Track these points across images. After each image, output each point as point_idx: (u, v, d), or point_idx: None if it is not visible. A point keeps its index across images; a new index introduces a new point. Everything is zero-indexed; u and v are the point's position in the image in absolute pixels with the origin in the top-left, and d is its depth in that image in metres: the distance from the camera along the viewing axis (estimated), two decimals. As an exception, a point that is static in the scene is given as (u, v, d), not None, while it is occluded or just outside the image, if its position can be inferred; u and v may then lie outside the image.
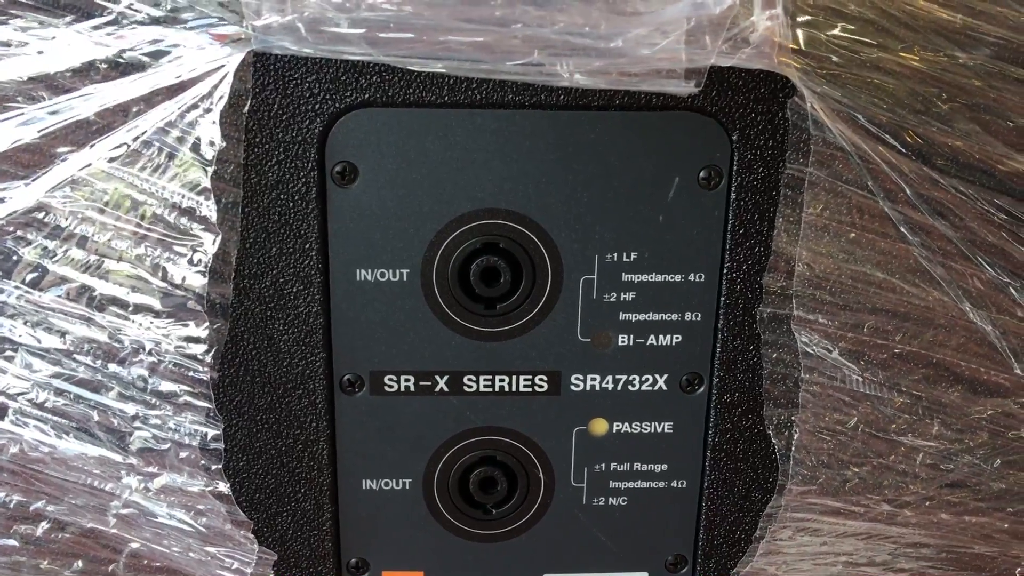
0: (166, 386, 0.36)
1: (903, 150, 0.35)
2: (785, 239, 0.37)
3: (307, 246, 0.37)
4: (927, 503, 0.40)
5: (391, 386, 0.39)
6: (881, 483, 0.39)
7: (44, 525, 0.40)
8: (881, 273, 0.37)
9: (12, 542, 0.40)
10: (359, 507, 0.41)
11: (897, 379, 0.38)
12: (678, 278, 0.38)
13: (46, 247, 0.35)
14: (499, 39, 0.33)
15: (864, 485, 0.39)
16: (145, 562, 0.40)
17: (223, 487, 0.38)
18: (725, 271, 0.38)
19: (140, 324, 0.36)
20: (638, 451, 0.41)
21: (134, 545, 0.40)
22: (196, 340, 0.36)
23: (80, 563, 0.40)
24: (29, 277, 0.36)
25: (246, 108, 0.35)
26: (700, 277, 0.38)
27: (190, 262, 0.35)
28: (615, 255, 0.38)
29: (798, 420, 0.38)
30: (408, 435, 0.40)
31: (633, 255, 0.38)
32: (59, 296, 0.36)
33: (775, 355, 0.38)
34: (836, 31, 0.34)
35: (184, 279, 0.35)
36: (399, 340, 0.39)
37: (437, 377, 0.39)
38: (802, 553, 0.41)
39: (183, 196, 0.34)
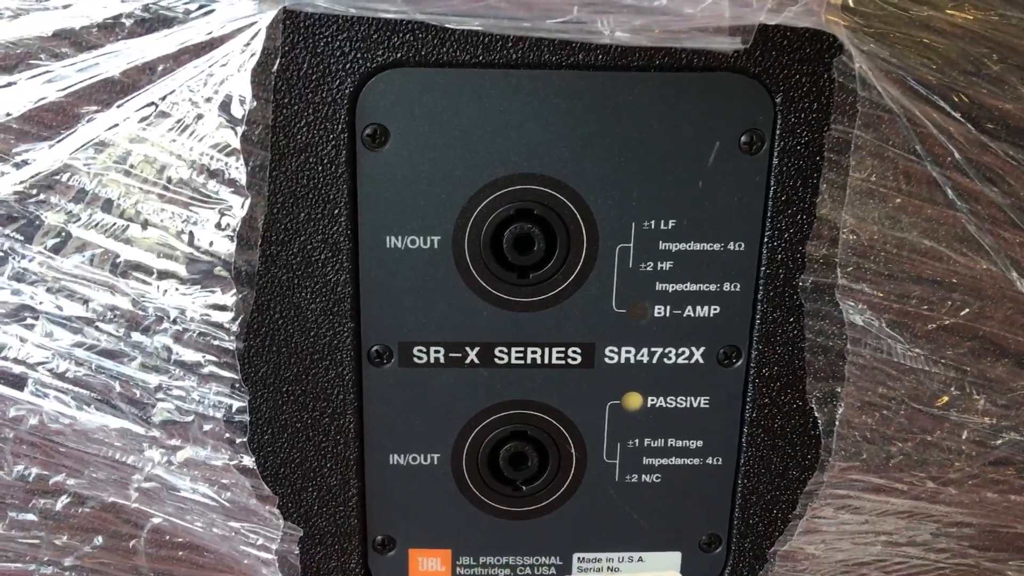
0: (190, 356, 0.35)
1: (952, 112, 0.34)
2: (829, 205, 0.35)
3: (336, 211, 0.36)
4: (971, 481, 0.39)
5: (420, 358, 0.38)
6: (926, 460, 0.38)
7: (64, 499, 0.39)
8: (928, 241, 0.36)
9: (31, 516, 0.39)
10: (386, 483, 0.40)
11: (942, 352, 0.37)
12: (717, 247, 0.37)
13: (70, 211, 0.34)
14: (538, -5, 0.32)
15: (908, 462, 0.38)
16: (167, 538, 0.39)
17: (248, 461, 0.37)
18: (766, 239, 0.37)
19: (165, 291, 0.34)
20: (673, 427, 0.40)
21: (156, 520, 0.39)
22: (222, 308, 0.35)
23: (100, 538, 0.39)
24: (51, 243, 0.35)
25: (275, 67, 0.34)
26: (740, 246, 0.37)
27: (217, 226, 0.34)
28: (652, 223, 0.37)
29: (843, 394, 0.37)
30: (437, 409, 0.39)
31: (671, 223, 0.37)
32: (82, 262, 0.35)
33: (818, 326, 0.37)
34: (886, -13, 0.33)
35: (211, 244, 0.34)
36: (429, 310, 0.38)
37: (468, 348, 0.38)
38: (842, 532, 0.39)
39: (211, 158, 0.33)
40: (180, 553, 0.40)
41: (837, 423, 0.37)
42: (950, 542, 0.40)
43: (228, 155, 0.33)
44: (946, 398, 0.37)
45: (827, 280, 0.36)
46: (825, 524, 0.39)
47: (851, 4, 0.33)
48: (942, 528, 0.40)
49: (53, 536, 0.39)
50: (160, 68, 0.33)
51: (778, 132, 0.35)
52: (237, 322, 0.35)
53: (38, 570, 0.40)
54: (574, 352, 0.39)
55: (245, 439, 0.37)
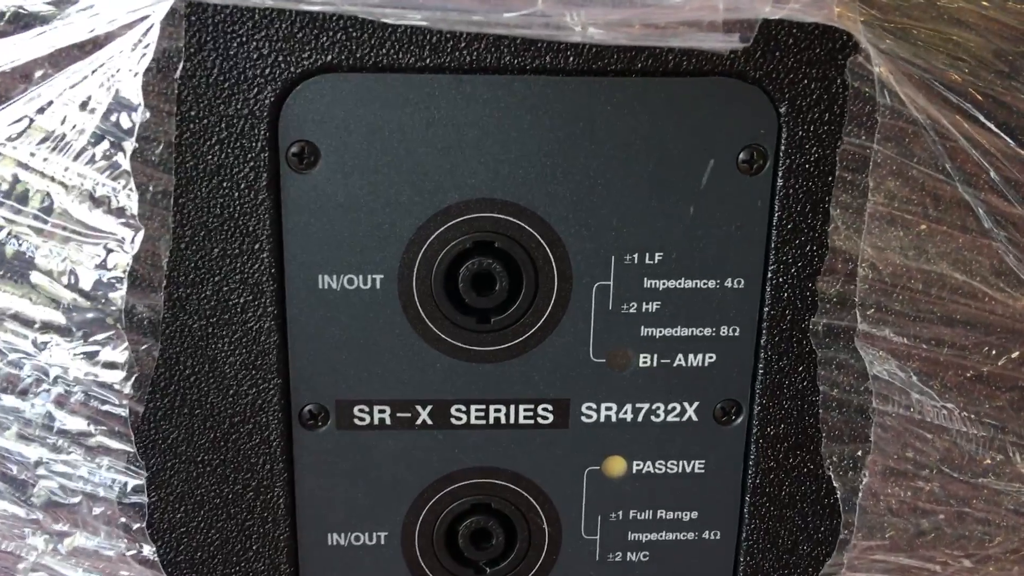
0: (76, 424, 0.29)
1: (988, 123, 0.29)
2: (843, 234, 0.30)
3: (257, 246, 0.30)
4: (1013, 556, 0.33)
5: (362, 419, 0.32)
6: (962, 534, 0.32)
7: (-66, 595, 0.32)
8: (960, 275, 0.30)
9: None
10: (324, 567, 0.34)
11: (979, 407, 0.31)
12: (712, 284, 0.32)
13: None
14: (493, -17, 0.26)
15: (942, 537, 0.32)
16: (61, 637, 0.33)
17: (147, 551, 0.31)
18: (770, 275, 0.31)
19: (44, 345, 0.28)
20: (663, 496, 0.34)
21: (47, 617, 0.33)
22: (112, 366, 0.29)
23: (-19, 639, 0.33)
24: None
25: (178, 73, 0.28)
26: (739, 283, 0.32)
27: (103, 266, 0.27)
28: (635, 256, 0.31)
29: (866, 459, 0.31)
30: (383, 478, 0.33)
31: (658, 256, 0.31)
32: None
33: (833, 377, 0.31)
34: (909, -26, 0.28)
35: (98, 288, 0.28)
36: (371, 362, 0.32)
37: (418, 407, 0.32)
38: (865, 617, 0.34)
39: (96, 182, 0.27)
40: (77, 655, 0.33)
41: (860, 494, 0.31)
42: (989, 626, 0.34)
43: (116, 179, 0.27)
44: (987, 461, 0.31)
45: (842, 323, 0.31)
46: (845, 610, 0.34)
47: (868, -6, 0.28)
48: (980, 610, 0.34)
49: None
50: (36, 74, 0.27)
51: (783, 148, 0.30)
52: (131, 382, 0.29)
53: None
54: (545, 410, 0.33)
55: (143, 524, 0.31)
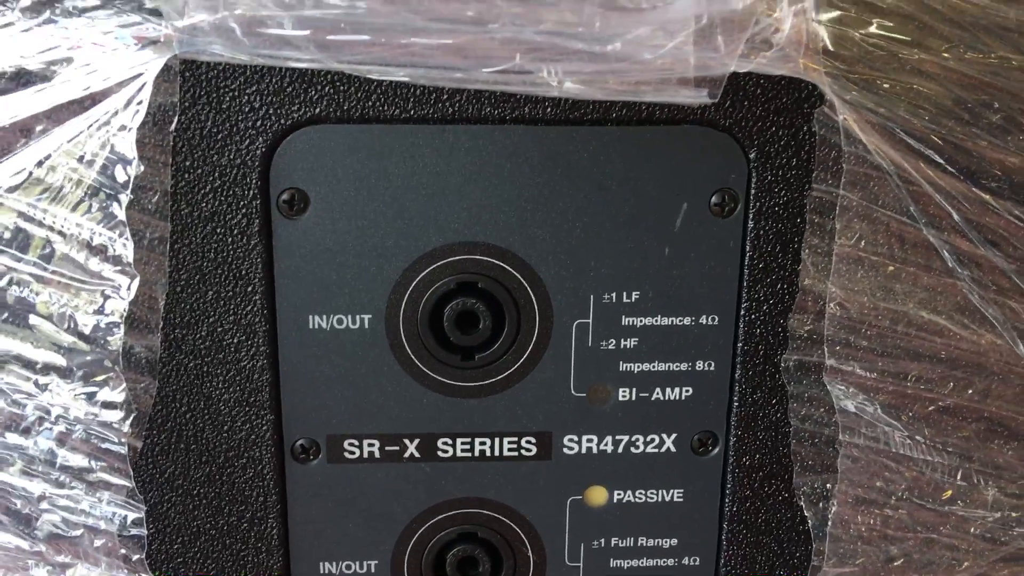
0: (77, 460, 0.30)
1: (949, 168, 0.30)
2: (813, 274, 0.31)
3: (249, 289, 0.31)
4: (982, 581, 0.34)
5: (352, 452, 0.34)
6: (930, 561, 0.33)
7: (-60, 624, 0.33)
8: (926, 313, 0.31)
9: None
10: (317, 595, 0.35)
11: (945, 437, 0.32)
12: (688, 321, 0.33)
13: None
14: (473, 41, 0.27)
15: (911, 564, 0.33)
16: (63, 665, 0.34)
17: (148, 581, 0.32)
18: (743, 313, 0.32)
19: (46, 386, 0.30)
20: (643, 524, 0.35)
21: (49, 645, 0.34)
22: (111, 405, 0.30)
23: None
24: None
25: (173, 126, 0.29)
26: (713, 320, 0.33)
27: (101, 311, 0.29)
28: (613, 295, 0.32)
29: (834, 489, 0.32)
30: (373, 509, 0.34)
31: (635, 295, 0.32)
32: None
33: (804, 411, 0.32)
34: (871, 28, 0.29)
35: (96, 331, 0.29)
36: (361, 398, 0.33)
37: (406, 441, 0.34)
38: (838, 642, 0.35)
39: (93, 232, 0.28)
40: None
41: (829, 523, 0.32)
42: (959, 648, 0.36)
43: (112, 228, 0.28)
44: (950, 491, 0.32)
45: (812, 359, 0.32)
46: (818, 636, 0.35)
47: (831, 48, 0.29)
48: (950, 633, 0.35)
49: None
50: (37, 129, 0.28)
51: (753, 192, 0.31)
52: (129, 421, 0.30)
53: None
54: (528, 442, 0.34)
55: (142, 555, 0.32)
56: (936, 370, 0.32)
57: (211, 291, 0.31)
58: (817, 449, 0.32)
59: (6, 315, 0.29)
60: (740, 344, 0.33)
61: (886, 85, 0.30)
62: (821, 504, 0.33)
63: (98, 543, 0.31)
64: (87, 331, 0.29)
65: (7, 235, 0.29)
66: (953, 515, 0.33)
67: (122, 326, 0.29)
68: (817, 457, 0.33)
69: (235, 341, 0.32)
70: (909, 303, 0.31)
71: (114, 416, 0.30)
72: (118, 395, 0.30)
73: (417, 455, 0.34)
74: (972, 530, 0.33)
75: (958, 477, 0.33)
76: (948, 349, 0.32)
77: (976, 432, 0.33)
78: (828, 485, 0.32)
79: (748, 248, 0.32)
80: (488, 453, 0.34)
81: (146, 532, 0.32)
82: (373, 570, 0.35)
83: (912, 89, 0.30)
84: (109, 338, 0.29)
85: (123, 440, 0.30)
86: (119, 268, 0.29)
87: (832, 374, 0.31)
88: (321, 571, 0.35)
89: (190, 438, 0.32)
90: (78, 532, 0.31)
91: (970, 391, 0.32)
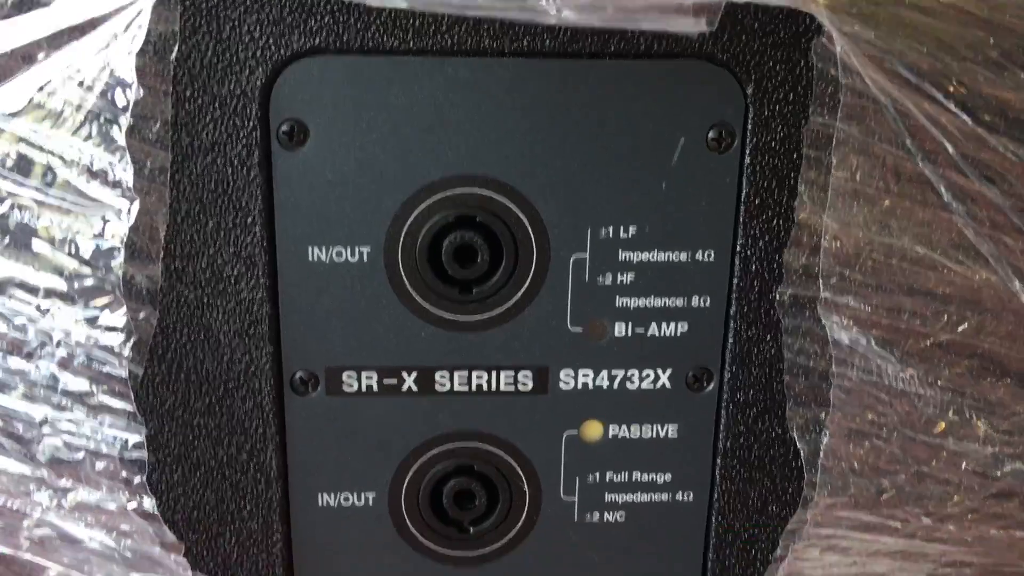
0: (78, 384, 0.31)
1: (946, 102, 0.30)
2: (809, 208, 0.31)
3: (249, 220, 0.31)
4: (971, 516, 0.35)
5: (350, 385, 0.34)
6: (921, 494, 0.34)
7: (-55, 551, 0.34)
8: (921, 248, 0.32)
9: (-93, 571, 0.34)
10: (315, 526, 0.36)
11: (938, 372, 0.33)
12: (684, 257, 0.33)
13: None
14: (472, -32, 0.28)
15: (902, 496, 0.34)
16: (65, 593, 0.35)
17: (148, 503, 0.32)
18: (738, 248, 0.33)
19: (47, 311, 0.30)
20: (638, 459, 0.35)
21: (51, 574, 0.34)
22: (112, 329, 0.30)
23: (-11, 595, 0.35)
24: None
25: (173, 55, 0.29)
26: (709, 256, 0.33)
27: (100, 235, 0.29)
28: (610, 230, 0.33)
29: (827, 421, 0.32)
30: (371, 442, 0.35)
31: (632, 230, 0.33)
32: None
33: (798, 344, 0.32)
34: (870, -41, 0.29)
35: (97, 256, 0.29)
36: (359, 331, 0.33)
37: (404, 374, 0.34)
38: (829, 574, 0.35)
39: (92, 156, 0.28)
40: (81, 609, 0.35)
41: (822, 454, 0.33)
42: (948, 584, 0.36)
43: (112, 152, 0.28)
44: (943, 424, 0.33)
45: (808, 293, 0.32)
46: (809, 567, 0.35)
47: (831, -21, 0.29)
48: (939, 569, 0.36)
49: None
50: (38, 56, 0.28)
51: (750, 127, 0.31)
52: (129, 344, 0.31)
53: (-81, 631, 0.35)
54: (525, 377, 0.34)
55: (143, 478, 0.33)
56: (930, 305, 0.32)
57: (211, 222, 0.31)
58: (811, 383, 0.33)
59: (7, 240, 0.29)
60: (736, 280, 0.33)
61: (885, 18, 0.30)
62: (813, 436, 0.33)
63: (99, 466, 0.31)
64: (88, 255, 0.29)
65: (8, 161, 0.29)
66: (945, 449, 0.33)
67: (122, 250, 0.29)
68: (811, 391, 0.33)
69: (235, 272, 0.32)
70: (904, 238, 0.31)
71: (115, 340, 0.30)
72: (119, 319, 0.30)
73: (415, 388, 0.34)
74: (964, 465, 0.34)
75: (950, 412, 0.33)
76: (942, 284, 0.32)
77: (969, 368, 0.33)
78: (821, 417, 0.33)
79: (745, 183, 0.32)
80: (485, 387, 0.34)
81: (147, 455, 0.32)
82: (370, 502, 0.35)
83: (912, 24, 0.30)
84: (110, 262, 0.29)
85: (123, 363, 0.31)
86: (119, 192, 0.29)
87: (827, 307, 0.32)
88: (319, 503, 0.35)
89: (190, 369, 0.33)
90: (79, 455, 0.31)
91: (963, 327, 0.33)
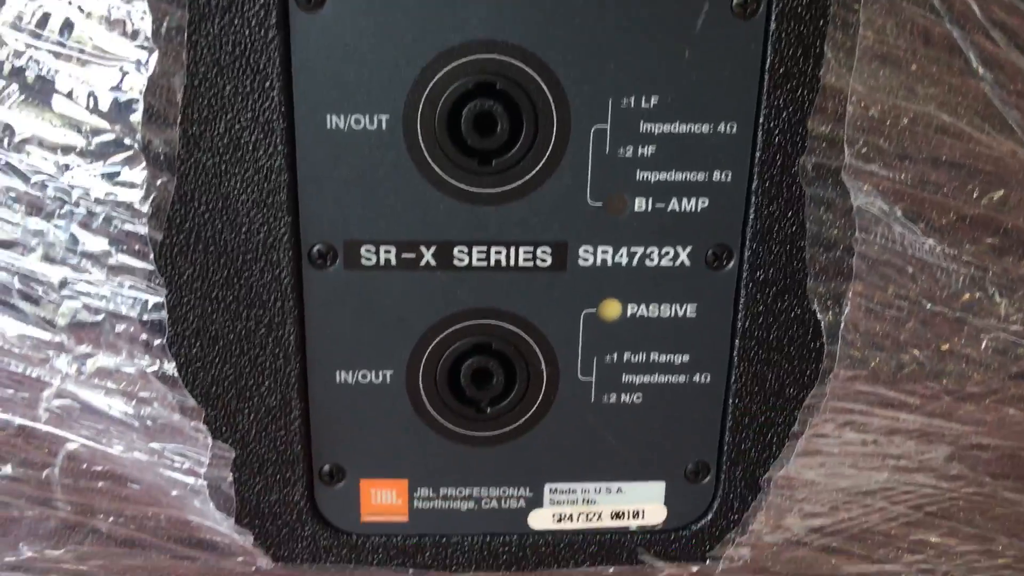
0: (97, 244, 0.30)
1: (976, -37, 0.30)
2: (835, 72, 0.31)
3: (267, 84, 0.31)
4: (992, 396, 0.34)
5: (369, 259, 0.34)
6: (941, 371, 0.33)
7: (-35, 422, 0.34)
8: (947, 116, 0.31)
9: (-72, 442, 0.34)
10: (333, 404, 0.36)
11: (961, 246, 0.32)
12: (706, 128, 0.33)
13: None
14: None
15: (922, 372, 0.33)
16: (85, 466, 0.35)
17: (168, 367, 0.32)
18: (762, 119, 0.32)
19: (66, 167, 0.30)
20: (656, 339, 0.35)
21: (71, 446, 0.34)
22: (131, 185, 0.30)
23: (9, 467, 0.35)
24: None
25: None
26: (732, 127, 0.33)
27: (119, 88, 0.29)
28: (632, 100, 0.32)
29: (849, 294, 0.32)
30: (389, 318, 0.35)
31: (653, 100, 0.32)
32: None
33: (820, 215, 0.32)
34: None
35: (115, 109, 0.29)
36: (377, 203, 0.33)
37: (423, 248, 0.34)
38: (845, 454, 0.35)
39: (110, 6, 0.28)
40: (100, 484, 0.35)
41: (842, 326, 0.33)
42: (965, 468, 0.36)
43: (128, 2, 0.28)
44: (966, 298, 0.32)
45: (832, 162, 0.32)
46: (826, 444, 0.35)
47: None
48: (957, 451, 0.35)
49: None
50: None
51: (776, -11, 0.31)
52: (150, 201, 0.30)
53: (-61, 502, 0.35)
54: (543, 252, 0.34)
55: (163, 341, 0.32)
56: (955, 176, 0.32)
57: (228, 85, 0.31)
58: (832, 256, 0.32)
59: (26, 95, 0.29)
60: (758, 153, 0.33)
61: None
62: (834, 309, 0.33)
63: (119, 328, 0.31)
64: (106, 109, 0.29)
65: (26, 13, 0.29)
66: (967, 325, 0.33)
67: (141, 102, 0.29)
68: (832, 264, 0.33)
69: (253, 139, 0.32)
70: (931, 105, 0.31)
71: (134, 196, 0.30)
72: (138, 175, 0.30)
73: (433, 263, 0.34)
74: (985, 342, 0.34)
75: (973, 287, 0.33)
76: (968, 155, 0.32)
77: (992, 245, 0.33)
78: (843, 289, 0.32)
79: (770, 51, 0.31)
80: (504, 263, 0.34)
81: (167, 317, 0.32)
82: (388, 380, 0.35)
83: None
84: (128, 117, 0.29)
85: (143, 221, 0.30)
86: (137, 43, 0.28)
87: (851, 173, 0.31)
88: (337, 379, 0.35)
89: (208, 239, 0.33)
90: (99, 318, 0.31)
91: (987, 200, 0.32)
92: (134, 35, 0.28)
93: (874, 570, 0.38)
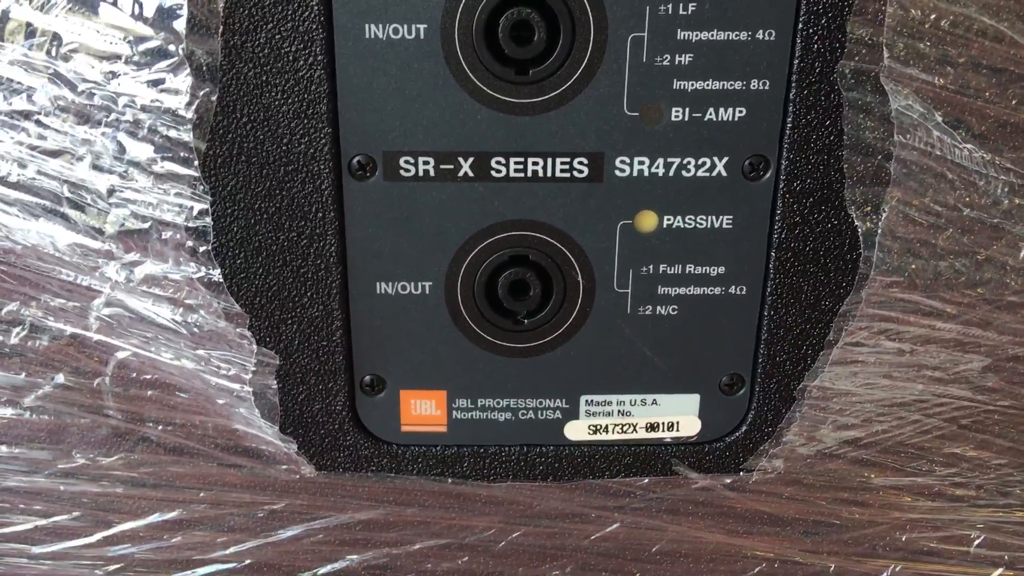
0: (143, 152, 0.31)
1: None
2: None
3: (307, -8, 0.31)
4: (1030, 307, 0.34)
5: (407, 170, 0.34)
6: (979, 279, 0.33)
7: (19, 331, 0.35)
8: (988, 18, 0.31)
9: (-17, 350, 0.35)
10: (373, 315, 0.36)
11: (1001, 153, 0.32)
12: (744, 36, 0.32)
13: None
14: None
15: (959, 280, 0.33)
16: (135, 375, 0.36)
17: (213, 273, 0.33)
18: (800, 25, 0.32)
19: (112, 74, 0.30)
20: (692, 251, 0.36)
21: (121, 355, 0.35)
22: (175, 92, 0.30)
23: (62, 376, 0.36)
24: (-15, 27, 0.30)
25: None
26: (770, 35, 0.32)
27: (166, -9, 0.29)
28: (669, 6, 0.32)
29: (887, 199, 0.32)
30: (428, 229, 0.35)
31: (691, 6, 0.32)
32: (23, 48, 0.30)
33: (859, 120, 0.32)
34: None
35: (160, 15, 0.30)
36: (416, 114, 0.33)
37: (460, 159, 0.34)
38: (880, 364, 0.35)
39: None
40: (149, 392, 0.36)
41: (879, 232, 0.33)
42: (1001, 380, 0.36)
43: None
44: (1008, 203, 0.32)
45: (871, 67, 0.31)
46: (861, 353, 0.35)
47: None
48: (994, 362, 0.36)
49: (9, 373, 0.36)
50: None
51: None
52: (193, 108, 0.31)
53: (-6, 410, 0.36)
54: (580, 163, 0.34)
55: (208, 247, 0.33)
56: (996, 82, 0.31)
57: (269, -6, 0.31)
58: (871, 163, 0.32)
59: (72, 2, 0.30)
60: (797, 60, 0.32)
61: None
62: (872, 216, 0.33)
63: (166, 236, 0.32)
64: (150, 15, 0.30)
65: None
66: (1007, 233, 0.33)
67: (185, 9, 0.29)
68: (871, 170, 0.32)
69: (293, 49, 0.32)
70: (972, 6, 0.31)
71: (179, 103, 0.31)
72: (182, 81, 0.30)
73: (471, 174, 0.34)
74: (1023, 253, 0.33)
75: (1012, 195, 0.33)
76: (1010, 60, 0.31)
77: (1033, 153, 0.33)
78: (880, 195, 0.32)
79: (809, -46, 0.31)
80: (540, 174, 0.34)
81: (211, 222, 0.33)
82: (427, 291, 0.36)
83: None
84: (173, 23, 0.30)
85: (187, 129, 0.31)
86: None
87: (890, 76, 0.31)
88: (377, 291, 0.36)
89: (250, 150, 0.33)
90: (146, 225, 0.32)
91: (1030, 105, 0.32)
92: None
93: (907, 483, 0.38)
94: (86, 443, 0.37)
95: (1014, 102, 0.32)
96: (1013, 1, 0.31)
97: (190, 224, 0.32)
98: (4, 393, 0.36)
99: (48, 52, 0.30)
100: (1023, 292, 0.34)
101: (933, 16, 0.30)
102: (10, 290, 0.34)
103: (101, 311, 0.34)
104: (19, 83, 0.30)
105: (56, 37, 0.30)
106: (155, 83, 0.30)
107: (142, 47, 0.30)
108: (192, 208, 0.32)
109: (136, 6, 0.29)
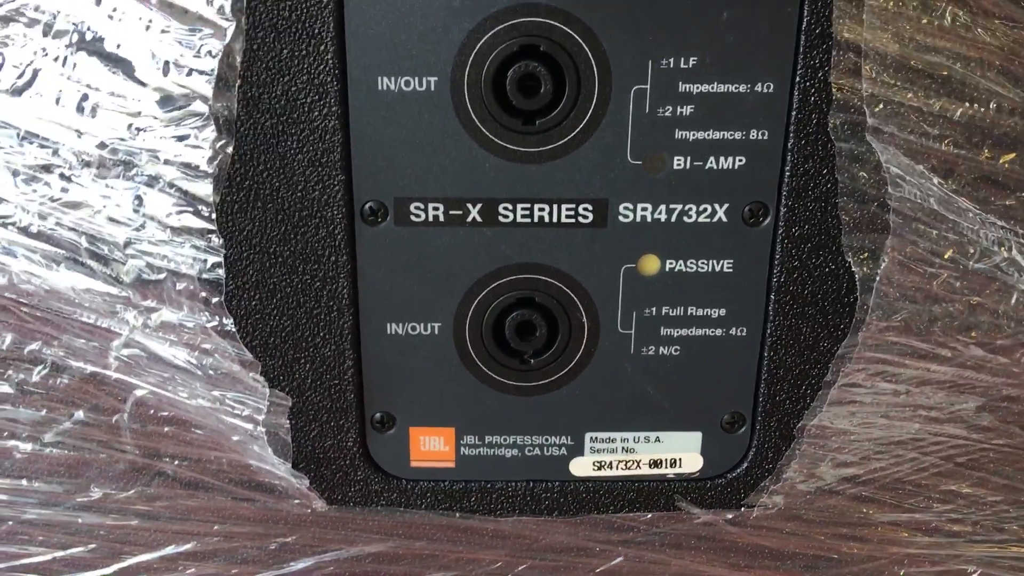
0: (161, 206, 0.32)
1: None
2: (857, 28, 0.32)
3: (321, 47, 0.33)
4: (1022, 349, 0.35)
5: (418, 215, 0.35)
6: (972, 324, 0.34)
7: (41, 370, 0.36)
8: (966, 69, 0.32)
9: (6, 388, 0.36)
10: (384, 354, 0.37)
11: (988, 204, 0.33)
12: (743, 88, 0.34)
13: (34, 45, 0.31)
14: None
15: (953, 325, 0.34)
16: (152, 412, 0.37)
17: (226, 323, 0.34)
18: (798, 79, 0.33)
19: (137, 130, 0.31)
20: (693, 293, 0.37)
21: (139, 392, 0.37)
22: (195, 147, 0.32)
23: (82, 413, 0.37)
24: (12, 81, 0.32)
25: None
26: (769, 87, 0.33)
27: (197, 54, 0.30)
28: (671, 60, 0.33)
29: (885, 246, 0.33)
30: (437, 272, 0.36)
31: (692, 60, 0.33)
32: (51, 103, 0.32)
33: (851, 169, 0.33)
34: None
35: (190, 76, 0.31)
36: (426, 162, 0.34)
37: (469, 205, 0.35)
38: (877, 404, 0.36)
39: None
40: (166, 429, 0.37)
41: (878, 278, 0.34)
42: (995, 419, 0.37)
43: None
44: (999, 254, 0.33)
45: (860, 119, 0.32)
46: (859, 394, 0.36)
47: None
48: (988, 403, 0.36)
49: (31, 410, 0.37)
50: None
51: (813, -50, 0.32)
52: (215, 163, 0.32)
53: (16, 447, 0.37)
54: (585, 209, 0.35)
55: (221, 299, 0.34)
56: (977, 137, 0.32)
57: (285, 49, 0.32)
58: (867, 211, 0.33)
59: (104, 62, 0.31)
60: (794, 111, 0.34)
61: None
62: (869, 262, 0.34)
63: (180, 287, 0.33)
64: (180, 75, 0.31)
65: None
66: (998, 280, 0.34)
67: (215, 71, 0.31)
68: (867, 218, 0.33)
69: (308, 100, 0.33)
70: (951, 59, 0.32)
71: (201, 157, 0.32)
72: (203, 138, 0.32)
73: (479, 219, 0.35)
74: (1015, 298, 0.34)
75: (1002, 245, 0.34)
76: (990, 114, 0.32)
77: (1020, 201, 0.34)
78: (878, 243, 0.33)
79: (806, 11, 0.32)
80: (547, 219, 0.35)
81: (224, 275, 0.34)
82: (436, 332, 0.37)
83: None
84: (201, 84, 0.31)
85: (203, 180, 0.32)
86: (217, 9, 0.30)
87: (874, 133, 0.32)
88: (388, 331, 0.37)
89: (266, 197, 0.34)
90: (161, 276, 0.33)
91: (1010, 158, 0.33)
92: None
93: (905, 519, 0.39)
94: (104, 477, 0.38)
95: (996, 155, 0.33)
96: (988, 53, 0.32)
97: (203, 276, 0.34)
98: (25, 429, 0.37)
99: (78, 109, 0.31)
100: (1015, 336, 0.35)
101: (910, 71, 0.31)
102: (33, 330, 0.35)
103: (120, 351, 0.35)
104: (45, 138, 0.31)
105: (84, 95, 0.31)
106: (181, 138, 0.31)
107: (168, 103, 0.31)
108: (206, 261, 0.33)
109: (165, 66, 0.31)
